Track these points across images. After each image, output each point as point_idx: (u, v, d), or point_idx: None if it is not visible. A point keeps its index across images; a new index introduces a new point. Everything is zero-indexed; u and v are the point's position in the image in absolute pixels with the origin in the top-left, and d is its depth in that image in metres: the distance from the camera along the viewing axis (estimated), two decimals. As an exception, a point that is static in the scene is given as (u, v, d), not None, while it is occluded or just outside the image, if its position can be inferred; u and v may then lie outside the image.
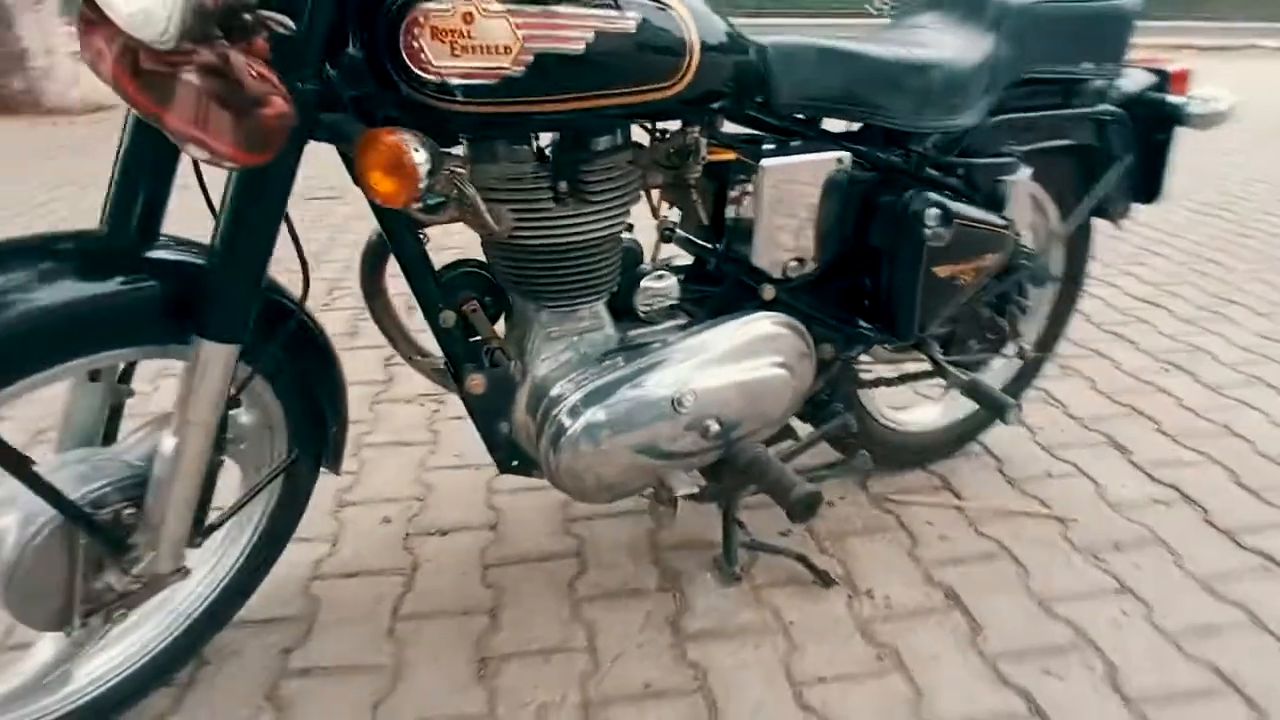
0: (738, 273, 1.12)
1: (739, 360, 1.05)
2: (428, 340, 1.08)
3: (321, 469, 1.12)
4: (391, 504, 1.47)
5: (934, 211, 1.07)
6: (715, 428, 1.04)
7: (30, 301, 0.73)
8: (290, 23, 0.68)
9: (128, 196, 0.84)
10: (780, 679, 1.11)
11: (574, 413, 0.97)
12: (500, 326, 1.09)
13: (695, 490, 1.06)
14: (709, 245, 1.18)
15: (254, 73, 0.66)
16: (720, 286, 1.15)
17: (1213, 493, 1.51)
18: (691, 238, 1.22)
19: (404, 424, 1.74)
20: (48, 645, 0.91)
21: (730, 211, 1.09)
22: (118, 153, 0.84)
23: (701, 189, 1.11)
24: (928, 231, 1.07)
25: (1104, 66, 1.28)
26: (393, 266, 1.04)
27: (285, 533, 1.14)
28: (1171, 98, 1.35)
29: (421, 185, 0.76)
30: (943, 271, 1.12)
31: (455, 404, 1.80)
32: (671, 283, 1.08)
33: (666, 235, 1.15)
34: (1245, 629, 1.20)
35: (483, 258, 1.06)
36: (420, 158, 0.75)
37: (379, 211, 0.93)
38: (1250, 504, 1.48)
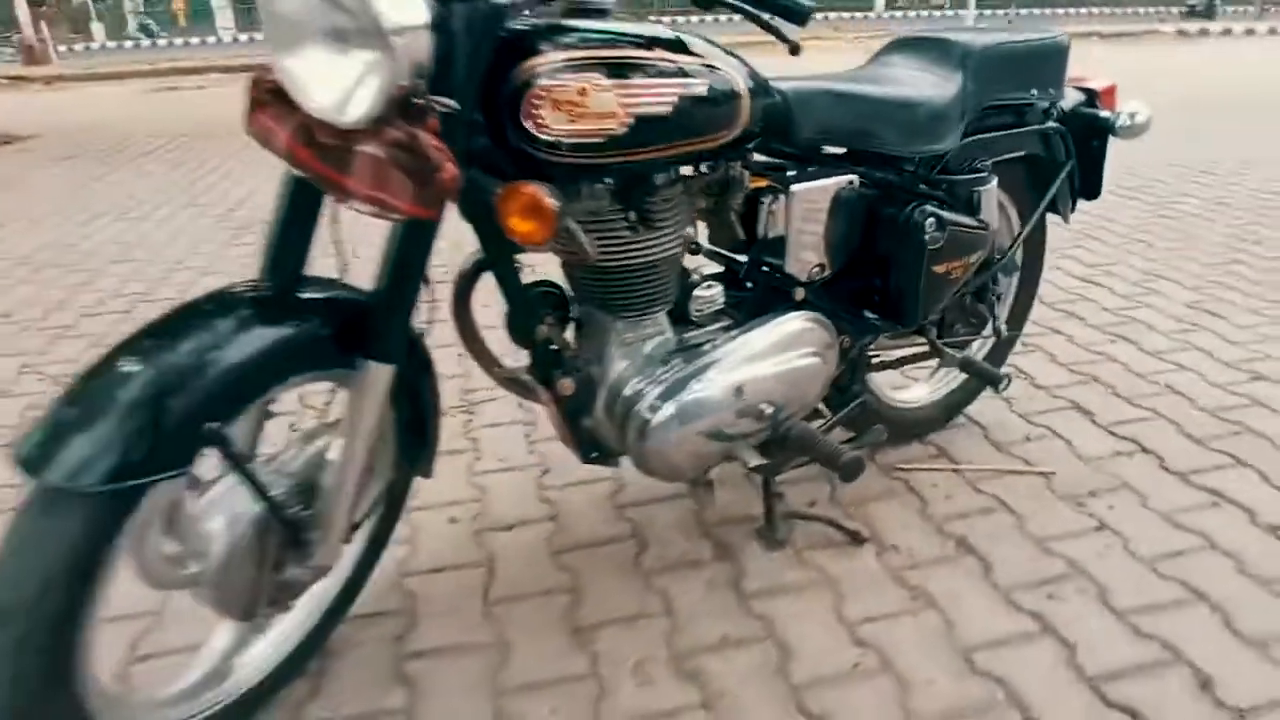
0: (769, 279, 1.32)
1: (782, 353, 1.25)
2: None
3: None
4: (454, 506, 1.61)
5: (931, 220, 1.29)
6: (768, 410, 1.24)
7: (244, 346, 0.86)
8: (455, 104, 0.84)
9: (284, 246, 0.98)
10: (834, 622, 1.31)
11: (656, 407, 1.15)
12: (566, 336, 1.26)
13: (763, 462, 1.26)
14: (737, 256, 1.37)
15: (432, 145, 0.82)
16: (752, 291, 1.35)
17: (1165, 443, 1.78)
18: (719, 250, 1.41)
19: (445, 434, 1.88)
20: (219, 639, 1.05)
21: (762, 228, 1.28)
22: (276, 210, 0.98)
23: (734, 210, 1.30)
24: (927, 237, 1.29)
25: (1047, 91, 1.53)
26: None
27: (388, 533, 1.28)
28: (1103, 112, 1.61)
29: (558, 225, 0.93)
30: (939, 269, 1.34)
31: (488, 414, 1.98)
32: (718, 290, 1.27)
33: (693, 249, 1.35)
34: (1205, 552, 1.45)
35: (541, 280, 1.22)
36: (555, 203, 0.91)
37: (486, 247, 1.09)
38: (1196, 451, 1.75)
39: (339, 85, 0.81)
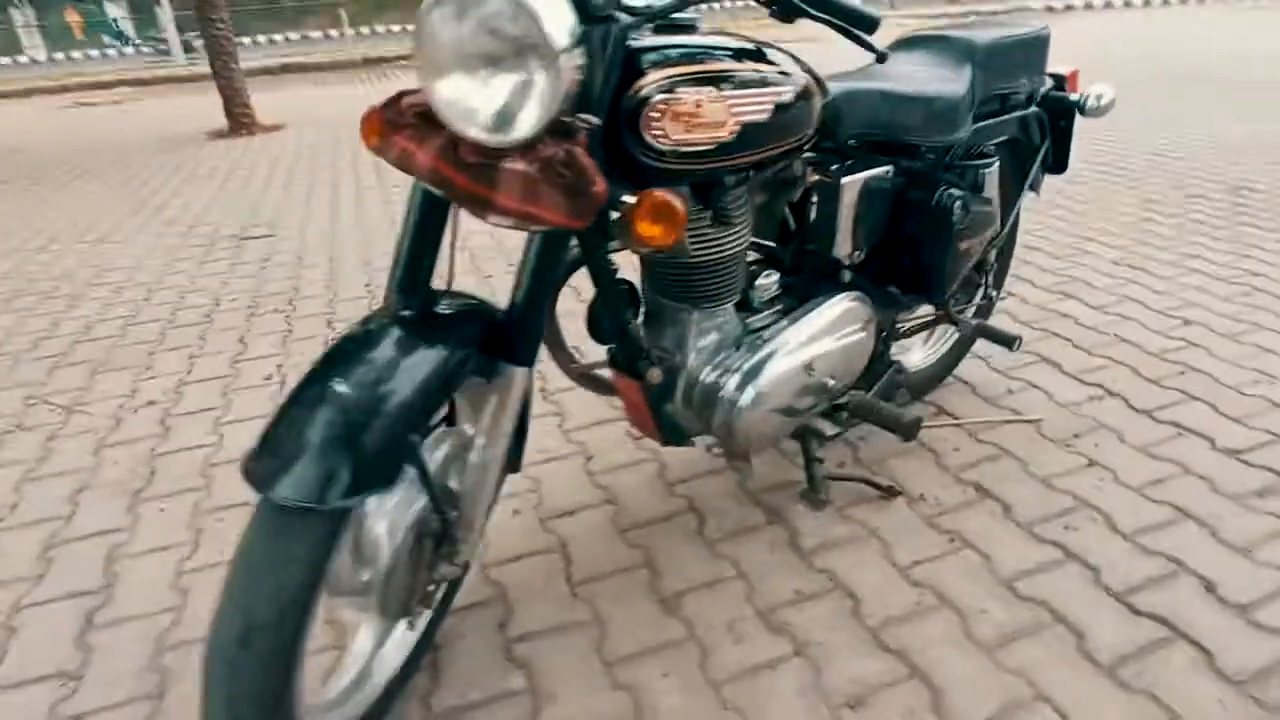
0: (817, 264, 1.39)
1: (838, 331, 1.33)
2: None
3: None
4: (513, 499, 1.63)
5: (958, 204, 1.38)
6: (830, 384, 1.31)
7: (419, 365, 0.87)
8: (598, 120, 0.87)
9: (416, 262, 0.98)
10: (888, 568, 1.40)
11: (741, 391, 1.21)
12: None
13: (839, 431, 1.34)
14: (777, 244, 1.44)
15: (587, 160, 0.84)
16: (799, 276, 1.41)
17: (1127, 386, 1.95)
18: (759, 240, 1.47)
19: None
20: (363, 642, 1.05)
21: (812, 218, 1.34)
22: (405, 228, 0.99)
23: (787, 202, 1.36)
24: (955, 218, 1.38)
25: (1032, 79, 1.65)
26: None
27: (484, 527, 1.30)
28: (1072, 95, 1.74)
29: (686, 228, 0.97)
30: (963, 246, 1.44)
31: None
32: (776, 278, 1.33)
33: None
34: (1182, 477, 1.61)
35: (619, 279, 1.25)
36: (683, 207, 0.95)
37: (586, 247, 1.11)
38: (1155, 390, 1.93)
39: (502, 107, 0.82)
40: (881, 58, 1.11)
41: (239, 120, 6.19)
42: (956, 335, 1.89)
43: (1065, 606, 1.30)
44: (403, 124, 0.89)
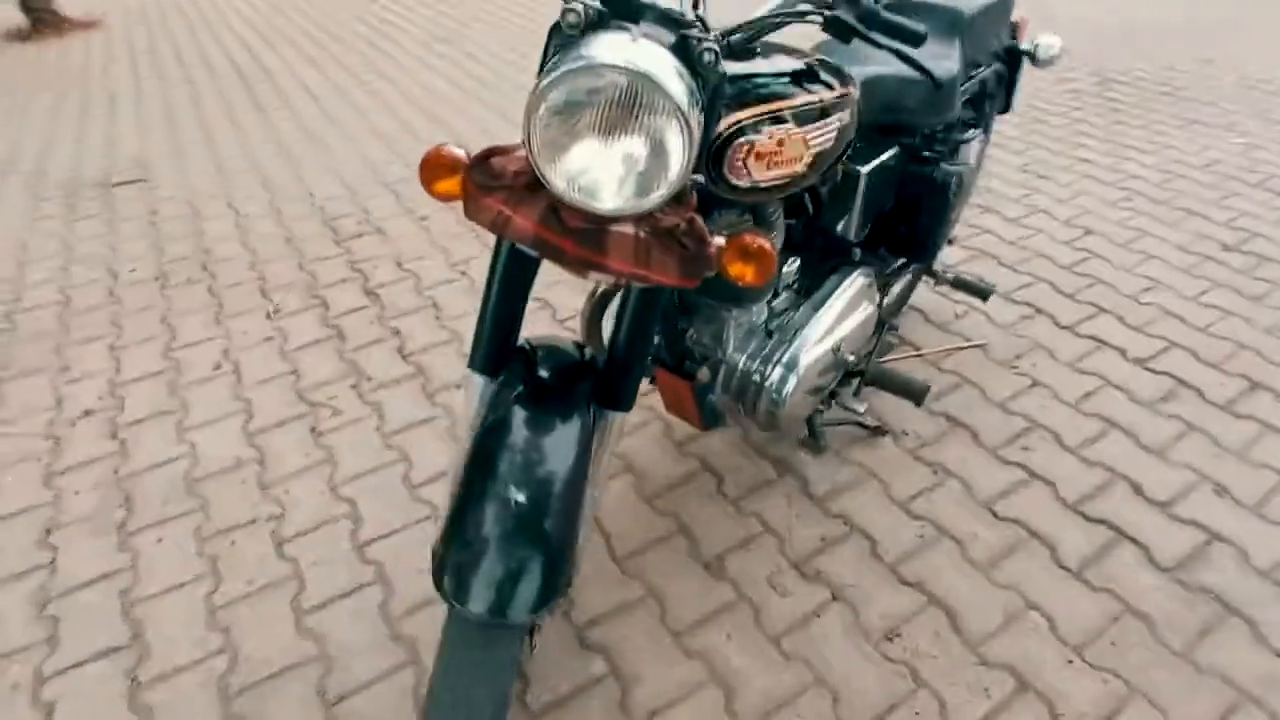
0: (828, 241, 1.48)
1: (855, 308, 1.45)
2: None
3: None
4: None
5: (955, 177, 1.50)
6: (851, 359, 1.45)
7: (560, 450, 0.91)
8: (701, 178, 0.89)
9: (504, 324, 0.99)
10: (892, 506, 1.61)
11: (783, 380, 1.32)
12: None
13: (867, 405, 1.49)
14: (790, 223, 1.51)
15: (702, 224, 0.88)
16: (809, 253, 1.50)
17: (1050, 302, 2.22)
18: None
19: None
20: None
21: (829, 200, 1.42)
22: (492, 292, 0.99)
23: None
24: (952, 190, 1.50)
25: (1001, 38, 1.75)
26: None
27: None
28: (1025, 46, 1.85)
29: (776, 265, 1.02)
30: (954, 213, 1.57)
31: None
32: (798, 264, 1.41)
33: None
34: (1106, 389, 1.91)
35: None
36: (773, 247, 0.99)
37: None
38: (1072, 306, 2.21)
39: (634, 179, 0.83)
40: (935, 80, 1.17)
41: (39, 16, 5.24)
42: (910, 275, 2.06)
43: (1037, 523, 1.57)
44: (495, 187, 0.88)
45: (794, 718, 1.25)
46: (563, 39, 0.86)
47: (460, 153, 0.94)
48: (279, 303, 2.32)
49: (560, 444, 0.91)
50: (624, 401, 1.04)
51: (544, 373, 1.00)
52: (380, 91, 4.07)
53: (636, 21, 0.84)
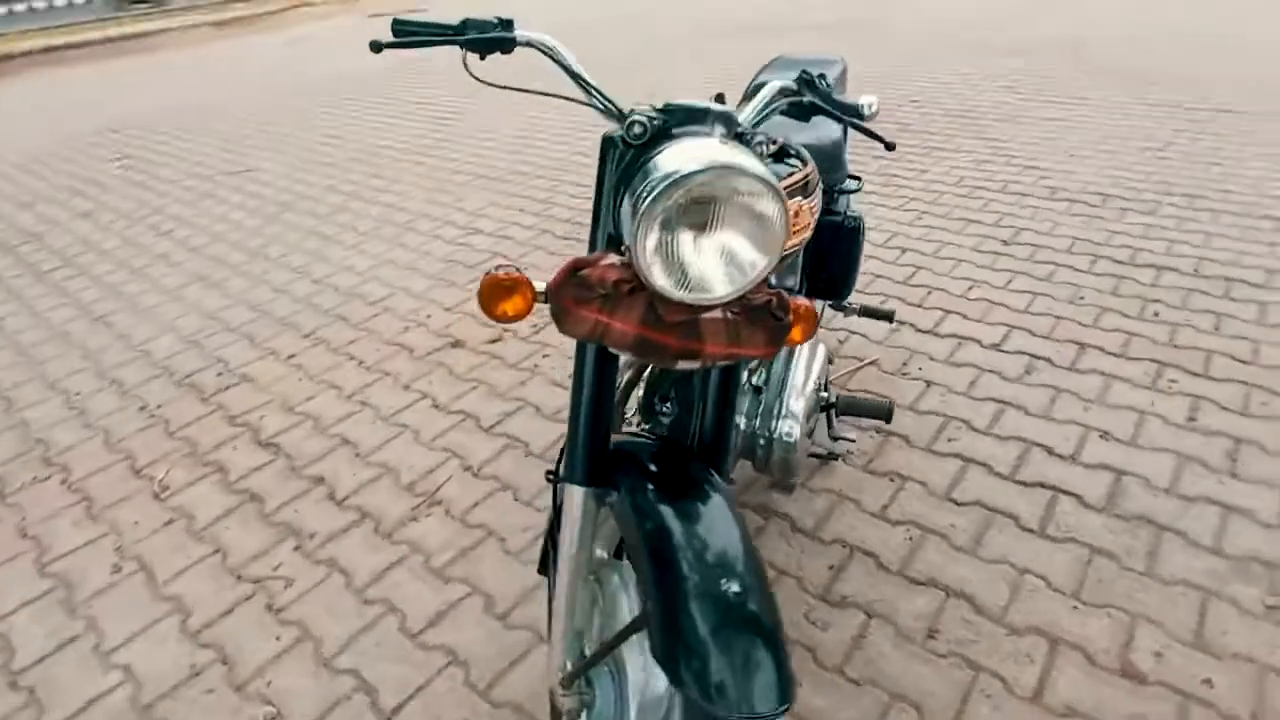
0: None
1: (815, 350, 1.57)
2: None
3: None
4: (537, 589, 1.62)
5: (860, 221, 1.69)
6: (824, 395, 1.56)
7: (729, 535, 0.88)
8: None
9: (603, 423, 0.97)
10: (874, 519, 1.73)
11: (788, 430, 1.40)
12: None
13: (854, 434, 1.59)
14: None
15: (787, 297, 0.93)
16: None
17: (906, 315, 2.52)
18: None
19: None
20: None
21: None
22: (585, 397, 0.96)
23: None
24: (862, 232, 1.69)
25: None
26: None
27: None
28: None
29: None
30: (861, 254, 1.76)
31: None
32: None
33: None
34: (985, 375, 2.20)
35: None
36: (811, 306, 1.06)
37: None
38: (923, 313, 2.53)
39: (733, 279, 0.86)
40: (890, 146, 1.32)
41: None
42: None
43: (991, 500, 1.76)
44: (590, 298, 0.88)
45: (890, 738, 1.30)
46: (631, 149, 0.89)
47: (519, 273, 0.92)
48: (164, 479, 2.01)
49: (724, 526, 0.90)
50: (725, 475, 1.05)
51: (654, 467, 0.98)
52: (175, 231, 3.70)
53: (700, 124, 0.89)
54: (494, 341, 2.54)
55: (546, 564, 1.29)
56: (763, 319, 0.92)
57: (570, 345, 2.47)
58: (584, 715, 1.05)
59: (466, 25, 1.04)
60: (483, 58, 1.06)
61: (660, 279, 0.85)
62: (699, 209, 0.83)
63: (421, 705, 1.40)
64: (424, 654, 1.49)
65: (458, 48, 1.04)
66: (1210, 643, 1.42)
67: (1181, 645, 1.42)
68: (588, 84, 0.99)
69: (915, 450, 1.93)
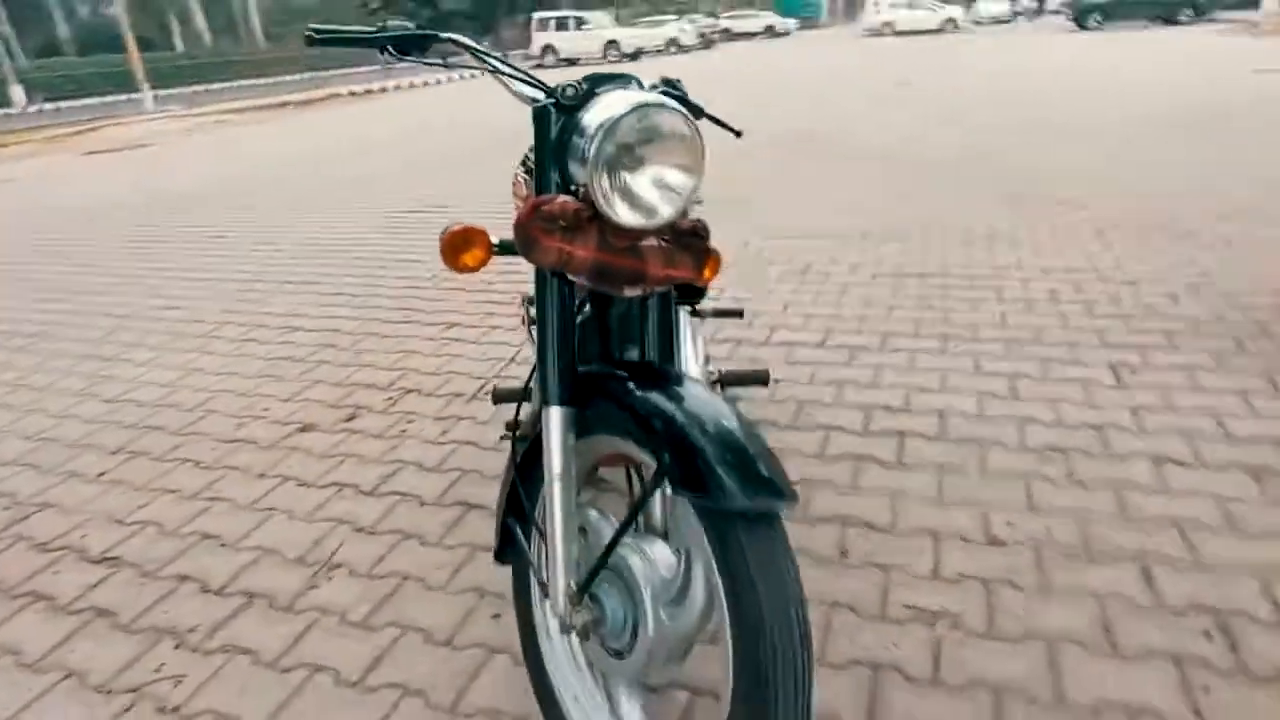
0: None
1: (697, 337, 1.78)
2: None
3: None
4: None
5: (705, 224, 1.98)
6: (710, 370, 1.78)
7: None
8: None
9: (565, 356, 1.08)
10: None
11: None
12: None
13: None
14: None
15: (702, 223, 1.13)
16: None
17: (737, 330, 2.87)
18: None
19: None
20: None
21: None
22: (548, 333, 1.07)
23: None
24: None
25: None
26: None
27: None
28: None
29: None
30: (707, 256, 2.05)
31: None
32: None
33: None
34: (838, 368, 2.57)
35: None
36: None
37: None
38: (756, 323, 2.90)
39: (669, 201, 1.04)
40: (738, 134, 1.60)
41: None
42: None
43: (855, 451, 2.06)
44: (555, 229, 1.02)
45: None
46: (565, 112, 1.07)
47: (476, 226, 1.05)
48: (-26, 618, 1.68)
49: (704, 392, 1.04)
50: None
51: (623, 378, 1.10)
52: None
53: (618, 83, 1.10)
54: (350, 419, 2.47)
55: (504, 548, 1.33)
56: (690, 243, 1.12)
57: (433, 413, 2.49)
58: (598, 630, 1.10)
59: (386, 29, 1.18)
60: (406, 55, 1.20)
61: (615, 206, 1.02)
62: (640, 148, 1.03)
63: (387, 740, 1.32)
64: (372, 696, 1.41)
65: (378, 50, 1.17)
66: (1039, 506, 1.79)
67: (1020, 513, 1.77)
68: (509, 67, 1.16)
69: (784, 430, 2.20)
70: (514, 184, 1.57)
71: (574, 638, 1.26)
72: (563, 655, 1.28)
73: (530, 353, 1.83)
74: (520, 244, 1.03)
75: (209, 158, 9.54)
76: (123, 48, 20.22)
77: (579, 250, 1.02)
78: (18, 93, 23.92)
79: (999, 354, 2.55)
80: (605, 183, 1.01)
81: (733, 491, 0.89)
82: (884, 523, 1.78)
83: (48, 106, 23.14)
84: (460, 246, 1.05)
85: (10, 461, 2.39)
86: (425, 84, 19.95)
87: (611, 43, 24.46)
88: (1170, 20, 21.29)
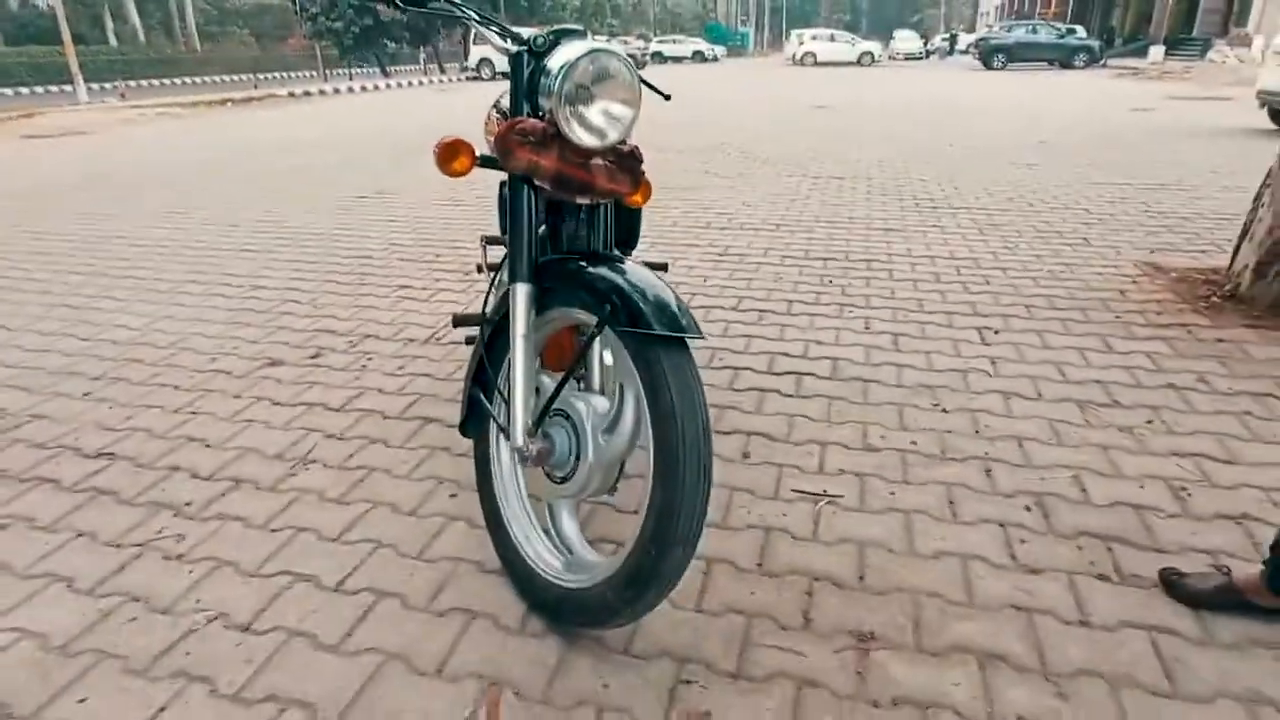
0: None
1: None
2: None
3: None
4: (436, 493, 1.84)
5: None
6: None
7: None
8: (630, 129, 1.45)
9: (531, 246, 1.35)
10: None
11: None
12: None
13: None
14: None
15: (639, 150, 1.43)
16: None
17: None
18: None
19: (328, 480, 1.91)
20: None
21: None
22: (521, 224, 1.34)
23: None
24: None
25: None
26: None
27: None
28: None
29: None
30: (640, 213, 2.34)
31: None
32: None
33: None
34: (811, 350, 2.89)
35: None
36: None
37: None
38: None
39: (618, 126, 1.33)
40: (667, 98, 1.90)
41: None
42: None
43: (760, 385, 2.38)
44: (525, 142, 1.30)
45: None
46: (536, 55, 1.35)
47: (463, 140, 1.33)
48: (-22, 499, 1.83)
49: (644, 272, 1.33)
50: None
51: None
52: None
53: (578, 36, 1.39)
54: (315, 357, 2.67)
55: (468, 420, 1.59)
56: (628, 165, 1.41)
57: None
58: (548, 460, 1.37)
59: None
60: (402, 10, 1.46)
61: (573, 129, 1.31)
62: (592, 85, 1.32)
63: (366, 575, 1.55)
64: (351, 547, 1.64)
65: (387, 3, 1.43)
66: (908, 426, 2.14)
67: (893, 431, 2.12)
68: (488, 18, 1.45)
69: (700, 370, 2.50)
70: (485, 122, 1.83)
71: (521, 478, 1.54)
72: (512, 492, 1.55)
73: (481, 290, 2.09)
74: (499, 153, 1.31)
75: (153, 145, 9.39)
76: (52, 40, 19.41)
77: (544, 160, 1.31)
78: (-56, 80, 22.70)
79: (886, 318, 2.93)
80: (566, 111, 1.30)
81: (660, 322, 1.19)
82: (781, 434, 2.10)
83: (-26, 94, 22.02)
84: (450, 156, 1.32)
85: (-7, 385, 2.51)
86: (364, 89, 19.84)
87: (549, 59, 24.71)
88: (1066, 64, 22.94)
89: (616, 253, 1.47)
